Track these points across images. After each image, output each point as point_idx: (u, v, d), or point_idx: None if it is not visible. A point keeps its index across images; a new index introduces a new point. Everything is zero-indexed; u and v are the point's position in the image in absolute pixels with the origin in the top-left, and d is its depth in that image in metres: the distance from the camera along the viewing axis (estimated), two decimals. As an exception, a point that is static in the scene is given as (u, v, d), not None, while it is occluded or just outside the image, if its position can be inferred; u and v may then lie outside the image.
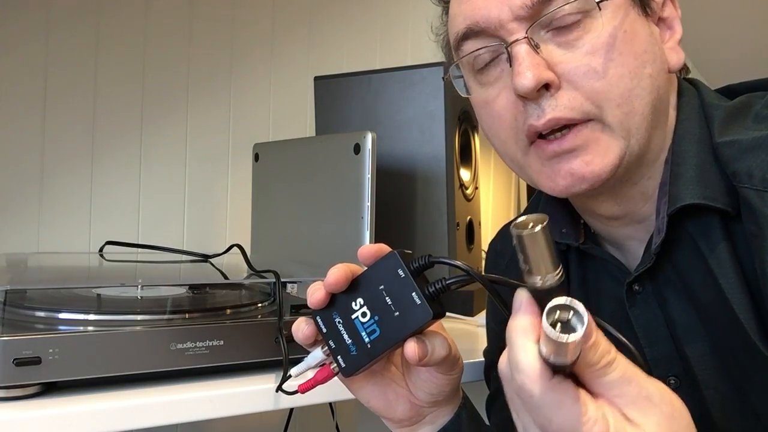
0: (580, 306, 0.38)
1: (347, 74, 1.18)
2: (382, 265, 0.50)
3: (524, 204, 1.63)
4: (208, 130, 1.32)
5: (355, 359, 0.51)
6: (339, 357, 0.51)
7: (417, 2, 1.64)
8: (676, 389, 0.60)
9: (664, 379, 0.61)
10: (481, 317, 1.06)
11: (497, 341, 0.77)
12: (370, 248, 0.52)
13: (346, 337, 0.51)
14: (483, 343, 0.81)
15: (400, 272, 0.49)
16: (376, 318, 0.50)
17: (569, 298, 0.39)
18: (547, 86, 0.55)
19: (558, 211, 0.68)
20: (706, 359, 0.59)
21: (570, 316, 0.39)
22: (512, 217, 1.78)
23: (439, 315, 0.49)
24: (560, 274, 0.40)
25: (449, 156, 1.08)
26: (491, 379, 0.77)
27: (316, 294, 0.52)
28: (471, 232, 1.18)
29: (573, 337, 0.38)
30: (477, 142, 1.24)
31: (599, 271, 0.67)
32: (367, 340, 0.50)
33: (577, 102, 0.55)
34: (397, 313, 0.49)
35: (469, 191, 1.18)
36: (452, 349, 0.54)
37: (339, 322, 0.51)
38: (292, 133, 1.40)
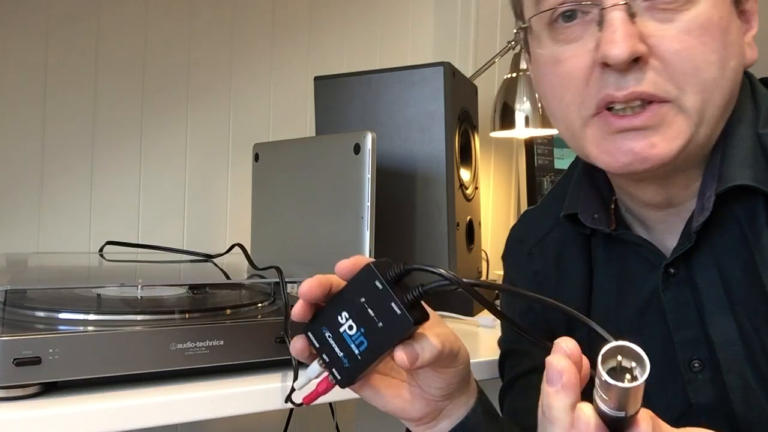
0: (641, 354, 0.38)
1: (347, 74, 1.17)
2: (360, 279, 0.51)
3: (524, 204, 1.63)
4: (208, 130, 1.32)
5: (349, 371, 0.52)
6: (333, 370, 0.52)
7: (417, 2, 1.64)
8: (699, 372, 0.60)
9: (688, 363, 0.61)
10: (481, 317, 1.06)
11: (511, 331, 0.76)
12: (346, 263, 0.51)
13: (337, 350, 0.51)
14: (483, 342, 0.81)
15: (378, 284, 0.49)
16: (363, 330, 0.50)
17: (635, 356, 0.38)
18: (636, 59, 0.53)
19: (592, 193, 0.67)
20: (731, 344, 0.58)
21: (631, 366, 0.39)
22: (512, 217, 1.78)
23: (420, 321, 0.50)
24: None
25: (449, 156, 1.08)
26: (505, 369, 0.76)
27: (296, 307, 0.52)
28: (471, 232, 1.18)
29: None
30: (477, 142, 1.24)
31: (628, 255, 0.66)
32: (356, 351, 0.51)
33: (662, 80, 0.53)
34: (380, 324, 0.50)
35: (469, 191, 1.18)
36: (446, 345, 0.54)
37: (329, 336, 0.52)
38: (292, 133, 1.40)
